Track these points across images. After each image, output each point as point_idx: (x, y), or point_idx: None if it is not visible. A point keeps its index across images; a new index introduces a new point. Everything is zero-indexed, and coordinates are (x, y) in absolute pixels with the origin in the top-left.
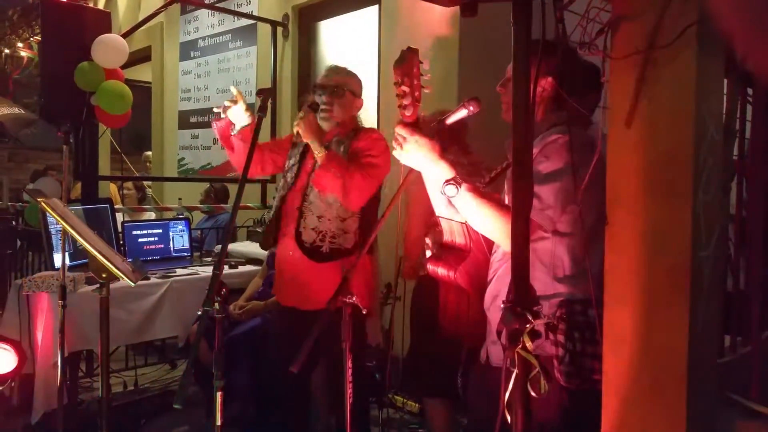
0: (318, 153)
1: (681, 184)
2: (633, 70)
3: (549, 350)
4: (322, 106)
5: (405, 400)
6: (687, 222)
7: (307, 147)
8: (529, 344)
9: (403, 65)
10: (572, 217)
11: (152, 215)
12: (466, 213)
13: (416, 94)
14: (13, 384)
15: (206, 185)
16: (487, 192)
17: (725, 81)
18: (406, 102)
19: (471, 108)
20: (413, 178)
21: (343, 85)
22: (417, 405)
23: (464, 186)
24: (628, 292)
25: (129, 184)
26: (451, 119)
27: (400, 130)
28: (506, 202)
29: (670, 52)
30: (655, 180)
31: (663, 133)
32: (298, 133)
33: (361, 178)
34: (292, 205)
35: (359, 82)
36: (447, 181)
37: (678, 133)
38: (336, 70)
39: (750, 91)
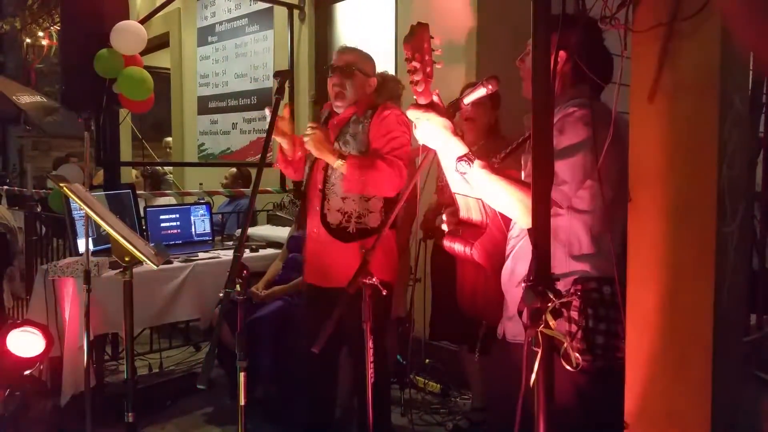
0: (337, 166)
1: (705, 158)
2: (656, 43)
3: (561, 327)
4: (334, 87)
5: (426, 381)
6: (711, 197)
7: (327, 117)
8: (552, 323)
9: (413, 40)
10: (590, 193)
11: (173, 200)
12: (479, 189)
13: (428, 69)
14: (41, 367)
15: (227, 169)
16: (501, 168)
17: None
18: (417, 78)
19: (489, 87)
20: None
21: (353, 65)
22: (438, 386)
23: (477, 162)
24: (651, 270)
25: (137, 173)
26: (468, 98)
27: (411, 112)
28: (523, 177)
29: (694, 24)
30: (678, 154)
31: (687, 106)
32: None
33: (388, 166)
34: (316, 185)
35: (371, 61)
36: (459, 158)
37: (702, 106)
38: (346, 50)
39: None
